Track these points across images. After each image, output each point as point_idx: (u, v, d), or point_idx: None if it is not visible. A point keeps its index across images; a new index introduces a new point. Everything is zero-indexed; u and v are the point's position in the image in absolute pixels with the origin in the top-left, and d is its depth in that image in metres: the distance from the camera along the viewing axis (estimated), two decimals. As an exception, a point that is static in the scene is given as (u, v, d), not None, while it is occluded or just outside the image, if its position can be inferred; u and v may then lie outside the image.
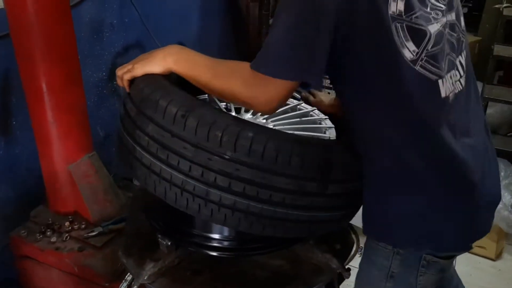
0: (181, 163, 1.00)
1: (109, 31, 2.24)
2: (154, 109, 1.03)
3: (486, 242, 2.61)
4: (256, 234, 1.08)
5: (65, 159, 1.71)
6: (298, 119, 1.40)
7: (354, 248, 1.42)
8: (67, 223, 1.74)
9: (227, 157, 0.98)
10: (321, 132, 1.33)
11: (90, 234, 1.69)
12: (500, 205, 2.45)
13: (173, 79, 1.21)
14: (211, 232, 1.26)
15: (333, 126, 1.35)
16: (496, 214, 2.59)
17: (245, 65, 1.01)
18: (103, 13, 2.19)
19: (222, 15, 3.34)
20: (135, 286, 1.22)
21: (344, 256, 1.36)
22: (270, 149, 0.97)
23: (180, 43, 2.87)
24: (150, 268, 1.23)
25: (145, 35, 2.48)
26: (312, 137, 1.27)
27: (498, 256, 2.66)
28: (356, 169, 1.10)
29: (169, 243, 1.24)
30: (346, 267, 1.34)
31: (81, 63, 1.75)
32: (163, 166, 1.02)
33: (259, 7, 1.40)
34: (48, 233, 1.70)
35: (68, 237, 1.69)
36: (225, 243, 1.27)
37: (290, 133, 1.14)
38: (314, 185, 1.03)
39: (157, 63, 1.13)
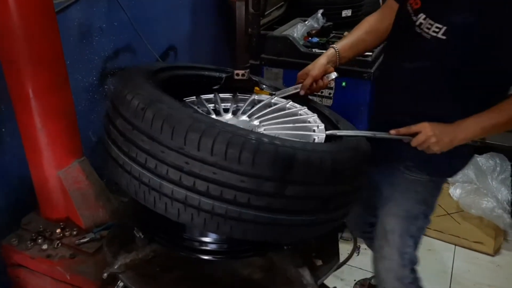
0: (158, 166, 0.99)
1: (98, 35, 2.23)
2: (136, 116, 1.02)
3: (484, 238, 2.58)
4: (238, 238, 1.05)
5: (55, 165, 1.70)
6: (287, 119, 1.38)
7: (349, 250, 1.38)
8: (58, 230, 1.72)
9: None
10: (310, 131, 1.31)
11: (81, 241, 1.67)
12: (494, 204, 2.41)
13: (158, 81, 1.20)
14: (186, 232, 1.25)
15: (322, 124, 1.33)
16: (490, 212, 2.56)
17: None
18: (92, 17, 2.17)
19: (214, 16, 3.32)
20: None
21: (321, 272, 1.30)
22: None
23: (172, 46, 2.89)
24: (121, 259, 1.25)
25: (135, 38, 2.46)
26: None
27: (496, 252, 2.62)
28: (323, 171, 1.02)
29: (142, 236, 1.25)
30: (320, 283, 1.29)
31: (71, 67, 1.73)
32: (142, 170, 1.02)
33: (245, 6, 1.38)
34: (39, 240, 1.68)
35: (60, 244, 1.67)
36: (199, 244, 1.25)
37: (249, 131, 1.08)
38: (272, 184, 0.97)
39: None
